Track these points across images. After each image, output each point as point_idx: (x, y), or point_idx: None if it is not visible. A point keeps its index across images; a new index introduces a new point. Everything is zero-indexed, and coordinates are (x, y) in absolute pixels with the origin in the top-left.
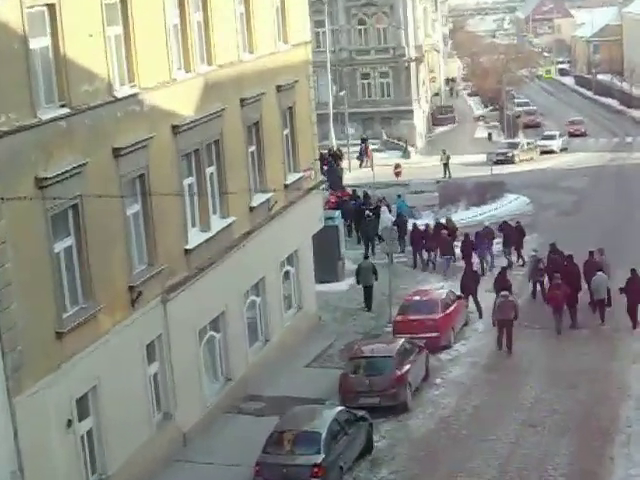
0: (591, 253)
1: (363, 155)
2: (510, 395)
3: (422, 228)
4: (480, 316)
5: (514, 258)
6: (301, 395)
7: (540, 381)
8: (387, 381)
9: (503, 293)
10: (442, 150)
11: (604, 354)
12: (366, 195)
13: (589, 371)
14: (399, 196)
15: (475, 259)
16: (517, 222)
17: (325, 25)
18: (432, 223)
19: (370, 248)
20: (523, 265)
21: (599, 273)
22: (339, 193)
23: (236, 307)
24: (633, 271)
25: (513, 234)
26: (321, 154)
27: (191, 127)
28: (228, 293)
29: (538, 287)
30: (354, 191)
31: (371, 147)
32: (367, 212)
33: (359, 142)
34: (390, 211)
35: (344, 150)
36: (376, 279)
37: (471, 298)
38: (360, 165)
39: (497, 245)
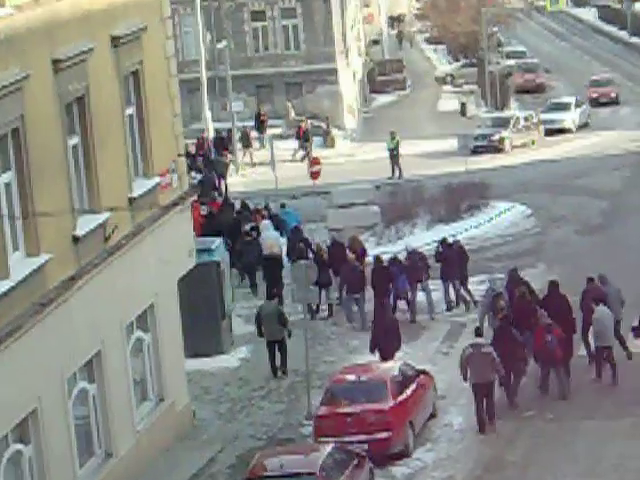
0: (590, 280)
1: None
2: None
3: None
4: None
5: (452, 294)
6: None
7: None
8: None
9: (475, 341)
10: (390, 133)
11: None
12: (244, 205)
13: None
14: (282, 205)
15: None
16: (455, 241)
17: None
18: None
19: (252, 288)
20: (467, 306)
21: (600, 307)
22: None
23: (55, 403)
24: None
25: (455, 259)
26: (196, 144)
27: None
28: (42, 379)
29: None
30: (225, 200)
31: (273, 132)
32: (245, 228)
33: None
34: (278, 227)
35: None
36: (289, 335)
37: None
38: (305, 157)
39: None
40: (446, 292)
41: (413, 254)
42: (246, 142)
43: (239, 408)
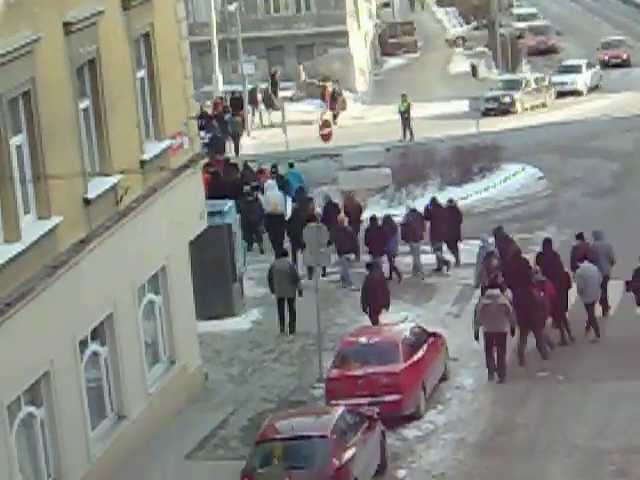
0: (580, 236)
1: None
2: None
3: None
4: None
5: (449, 256)
6: None
7: (568, 469)
8: (319, 477)
9: (490, 292)
10: (401, 96)
11: None
12: (246, 166)
13: None
14: (291, 165)
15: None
16: (450, 200)
17: None
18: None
19: (258, 243)
20: (447, 266)
21: (585, 263)
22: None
23: (67, 364)
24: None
25: (445, 219)
26: (202, 110)
27: None
28: (53, 342)
29: None
30: (227, 160)
31: (284, 94)
32: (246, 187)
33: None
34: (283, 186)
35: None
36: (300, 293)
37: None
38: (334, 118)
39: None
40: (435, 250)
41: (411, 213)
42: (269, 102)
43: (251, 371)
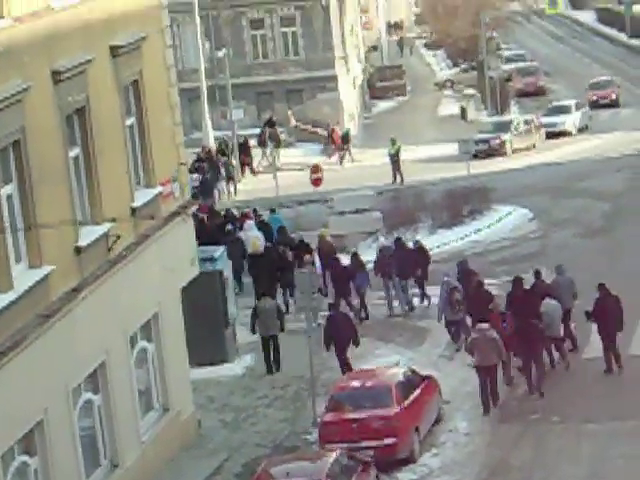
0: (537, 274)
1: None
2: None
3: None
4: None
5: (415, 299)
6: None
7: None
8: None
9: (480, 326)
10: (391, 139)
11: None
12: (228, 211)
13: None
14: (272, 210)
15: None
16: (416, 241)
17: None
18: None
19: (237, 282)
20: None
21: (547, 300)
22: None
23: (61, 413)
24: (602, 287)
25: (410, 259)
26: (199, 155)
27: None
28: (47, 390)
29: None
30: (211, 206)
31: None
32: (228, 227)
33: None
34: (262, 227)
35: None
36: (282, 329)
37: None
38: (341, 161)
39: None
40: (402, 291)
41: (384, 249)
42: (277, 140)
43: (244, 416)
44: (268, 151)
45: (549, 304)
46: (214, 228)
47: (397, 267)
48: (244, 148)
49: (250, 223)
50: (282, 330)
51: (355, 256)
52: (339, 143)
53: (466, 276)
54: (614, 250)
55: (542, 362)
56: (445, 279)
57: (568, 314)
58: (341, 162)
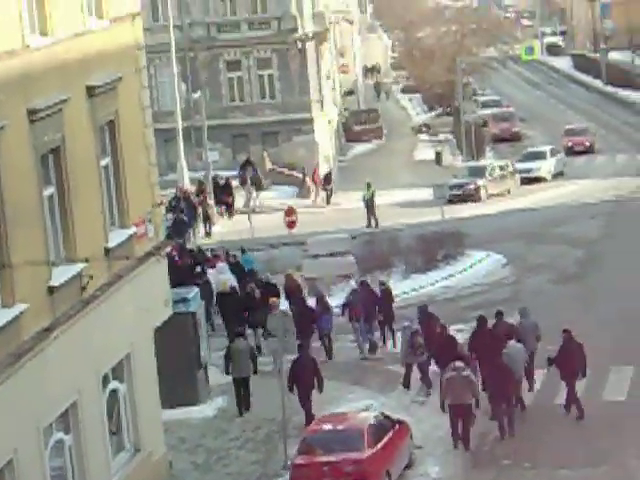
0: (499, 315)
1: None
2: None
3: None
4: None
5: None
6: None
7: None
8: None
9: (454, 365)
10: (366, 184)
11: None
12: (200, 251)
13: None
14: (243, 251)
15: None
16: (382, 283)
17: None
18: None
19: (209, 323)
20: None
21: (512, 343)
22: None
23: (31, 453)
24: (566, 333)
25: (374, 301)
26: (176, 195)
27: None
28: (17, 430)
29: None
30: (182, 246)
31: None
32: (197, 269)
33: (238, 170)
34: (234, 269)
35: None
36: (254, 371)
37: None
38: (329, 198)
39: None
40: (366, 332)
41: (354, 293)
42: (259, 184)
43: (216, 458)
44: (254, 193)
45: (513, 347)
46: (184, 268)
47: (362, 309)
48: (226, 188)
49: (222, 265)
50: (255, 372)
51: (321, 299)
52: (321, 184)
53: (427, 320)
54: (587, 297)
55: (512, 404)
56: (406, 324)
57: (532, 356)
58: (328, 201)
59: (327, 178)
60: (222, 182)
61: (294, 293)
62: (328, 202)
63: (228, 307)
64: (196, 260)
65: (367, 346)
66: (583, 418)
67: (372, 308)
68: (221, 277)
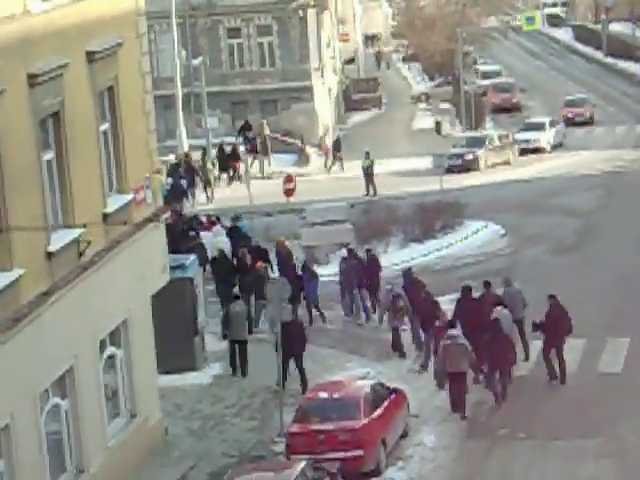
0: (487, 284)
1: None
2: None
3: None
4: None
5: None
6: None
7: None
8: None
9: (450, 333)
10: (365, 152)
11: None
12: (195, 217)
13: None
14: (237, 218)
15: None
16: (368, 249)
17: None
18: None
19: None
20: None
21: (499, 309)
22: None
23: (28, 418)
24: (553, 298)
25: (360, 267)
26: (175, 163)
27: None
28: (14, 395)
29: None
30: (177, 211)
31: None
32: (191, 232)
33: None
34: (231, 233)
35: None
36: (250, 331)
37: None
38: (329, 167)
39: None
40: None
41: (344, 261)
42: (264, 151)
43: (211, 425)
44: (266, 160)
45: (500, 313)
46: (177, 231)
47: (349, 276)
48: (233, 155)
49: (219, 228)
50: (250, 333)
51: (308, 266)
52: (330, 151)
53: (412, 285)
54: (585, 267)
55: (509, 372)
56: (388, 287)
57: (520, 324)
58: (342, 167)
59: (337, 144)
60: (229, 149)
61: (285, 260)
62: (343, 168)
63: (219, 271)
64: (189, 224)
65: (363, 315)
66: (556, 379)
67: (359, 276)
68: (216, 240)
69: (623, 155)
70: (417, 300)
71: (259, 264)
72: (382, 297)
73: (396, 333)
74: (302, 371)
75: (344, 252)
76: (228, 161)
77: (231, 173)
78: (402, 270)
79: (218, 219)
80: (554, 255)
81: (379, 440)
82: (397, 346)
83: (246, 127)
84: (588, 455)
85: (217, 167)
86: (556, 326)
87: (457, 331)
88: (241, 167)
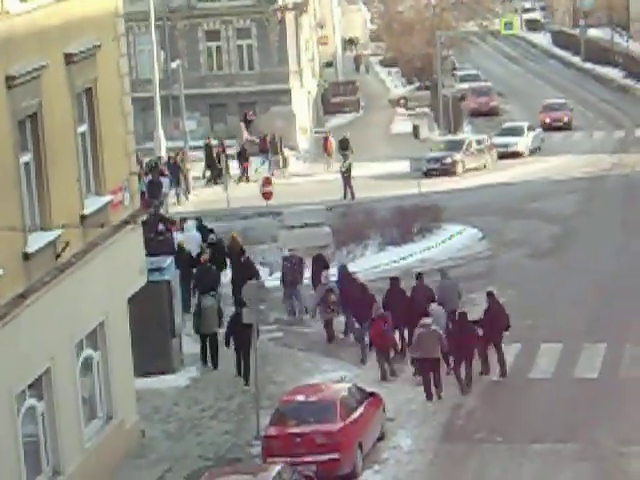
0: (420, 276)
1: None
2: None
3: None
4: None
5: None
6: None
7: None
8: None
9: (423, 321)
10: (342, 155)
11: None
12: (165, 217)
13: None
14: (199, 220)
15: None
16: (317, 252)
17: None
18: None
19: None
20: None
21: (432, 305)
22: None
23: (3, 419)
24: (491, 295)
25: (298, 268)
26: (150, 164)
27: None
28: None
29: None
30: (151, 206)
31: (228, 152)
32: (160, 227)
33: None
34: (201, 229)
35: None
36: (219, 325)
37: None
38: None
39: None
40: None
41: (287, 259)
42: (245, 157)
43: (188, 427)
44: (281, 161)
45: (435, 309)
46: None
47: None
48: (242, 155)
49: (190, 224)
50: (219, 326)
51: (247, 260)
52: (332, 153)
53: (346, 279)
54: (562, 272)
55: (472, 363)
56: (323, 281)
57: (453, 315)
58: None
59: (343, 143)
60: (237, 150)
61: (235, 254)
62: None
63: (179, 266)
64: (160, 222)
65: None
66: (487, 374)
67: (298, 274)
68: (186, 235)
69: (601, 160)
70: (351, 294)
71: (204, 257)
72: (316, 292)
73: (329, 325)
74: (247, 365)
75: (285, 253)
76: (239, 161)
77: (240, 173)
78: (338, 266)
79: (183, 220)
80: (532, 259)
81: (355, 443)
82: (331, 338)
83: (246, 121)
84: (565, 459)
85: (204, 165)
86: (494, 322)
87: (428, 320)
88: (251, 167)
